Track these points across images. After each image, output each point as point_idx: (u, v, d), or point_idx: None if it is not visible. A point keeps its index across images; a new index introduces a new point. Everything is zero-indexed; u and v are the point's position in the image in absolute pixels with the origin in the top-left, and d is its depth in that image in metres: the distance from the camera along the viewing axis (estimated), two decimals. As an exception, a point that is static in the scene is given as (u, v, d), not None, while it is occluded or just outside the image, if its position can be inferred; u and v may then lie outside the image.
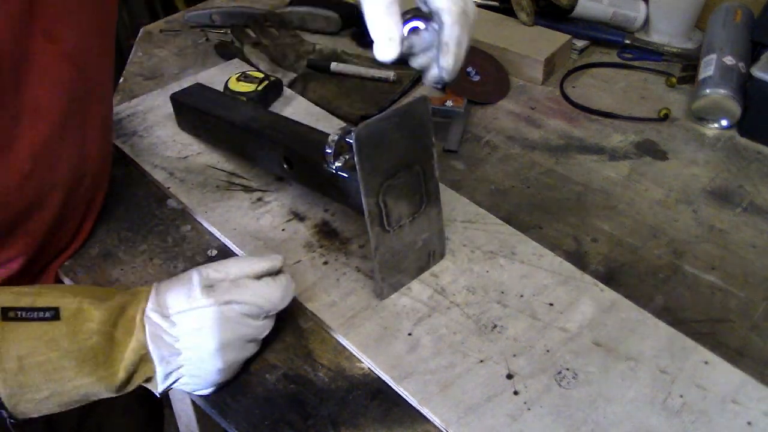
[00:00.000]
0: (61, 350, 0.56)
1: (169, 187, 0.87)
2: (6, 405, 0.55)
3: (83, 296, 0.59)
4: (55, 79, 0.65)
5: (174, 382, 0.61)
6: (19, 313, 0.56)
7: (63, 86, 0.67)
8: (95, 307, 0.58)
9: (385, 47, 0.60)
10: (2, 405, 0.55)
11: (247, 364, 0.66)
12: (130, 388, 0.60)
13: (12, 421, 0.57)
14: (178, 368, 0.60)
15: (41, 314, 0.56)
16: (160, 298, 0.60)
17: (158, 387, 0.61)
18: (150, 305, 0.60)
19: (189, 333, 0.59)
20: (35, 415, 0.58)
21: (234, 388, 0.65)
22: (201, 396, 0.65)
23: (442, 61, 0.63)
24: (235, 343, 0.62)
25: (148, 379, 0.61)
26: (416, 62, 0.69)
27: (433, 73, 0.69)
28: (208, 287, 0.61)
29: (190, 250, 0.80)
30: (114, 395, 0.60)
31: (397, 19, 0.61)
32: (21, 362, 0.55)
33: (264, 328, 0.65)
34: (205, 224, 0.83)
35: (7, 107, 0.62)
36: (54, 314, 0.57)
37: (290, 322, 0.71)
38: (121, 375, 0.58)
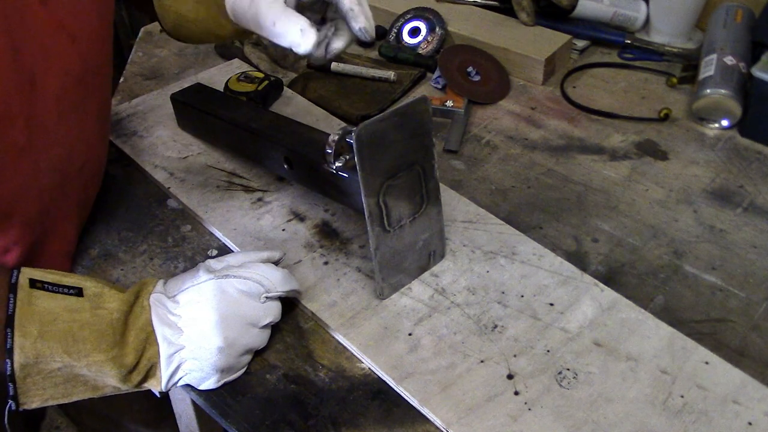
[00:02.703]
0: (82, 321, 0.58)
1: (169, 187, 0.87)
2: (16, 377, 0.56)
3: (104, 284, 0.62)
4: (49, 48, 0.64)
5: (177, 369, 0.62)
6: (46, 285, 0.59)
7: (58, 57, 0.66)
8: (115, 293, 0.62)
9: (303, 38, 0.63)
10: (13, 377, 0.56)
11: (248, 365, 0.66)
12: (136, 377, 0.60)
13: (14, 407, 0.57)
14: (180, 350, 0.61)
15: (66, 290, 0.59)
16: (168, 284, 0.65)
17: (162, 377, 0.61)
18: (157, 289, 0.64)
19: (189, 306, 0.62)
20: (37, 402, 0.58)
21: (234, 388, 0.65)
22: (201, 395, 0.65)
23: (357, 25, 0.66)
24: (233, 320, 0.62)
25: (153, 373, 0.61)
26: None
27: (342, 43, 0.71)
28: (211, 271, 0.66)
29: (190, 250, 0.80)
30: (121, 386, 0.60)
31: (294, 13, 0.65)
32: (42, 328, 0.57)
33: (265, 312, 0.65)
34: (206, 224, 0.83)
35: (3, 75, 0.61)
36: (78, 292, 0.60)
37: (290, 322, 0.71)
38: (131, 357, 0.59)
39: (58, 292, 0.59)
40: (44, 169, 0.69)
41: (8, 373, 0.56)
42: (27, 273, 0.59)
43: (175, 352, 0.61)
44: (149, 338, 0.60)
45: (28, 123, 0.65)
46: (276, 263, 0.70)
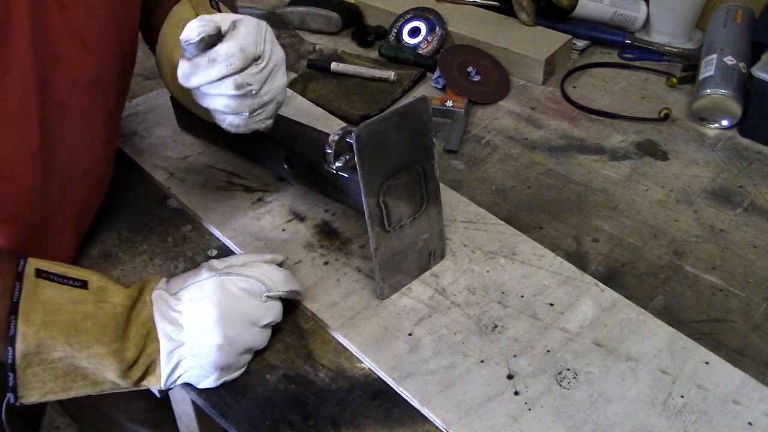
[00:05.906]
0: (86, 313, 0.59)
1: (169, 188, 0.87)
2: (17, 366, 0.56)
3: (108, 279, 0.63)
4: (60, 53, 0.65)
5: (176, 366, 0.62)
6: (51, 276, 0.59)
7: (67, 63, 0.66)
8: (119, 287, 0.63)
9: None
10: (13, 366, 0.56)
11: (247, 365, 0.66)
12: (136, 373, 0.60)
13: (12, 400, 0.57)
14: (180, 346, 0.61)
15: (71, 282, 0.60)
16: (170, 282, 0.66)
17: (161, 374, 0.61)
18: (160, 285, 0.65)
19: (190, 302, 0.63)
20: (36, 396, 0.58)
21: (234, 388, 0.65)
22: (201, 395, 0.65)
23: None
24: (234, 318, 0.63)
25: (152, 370, 0.61)
26: None
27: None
28: (213, 270, 0.66)
29: (190, 250, 0.80)
30: (120, 381, 0.60)
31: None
32: (46, 318, 0.57)
33: (266, 311, 0.65)
34: (206, 224, 0.83)
35: (23, 79, 0.61)
36: (83, 284, 0.60)
37: (290, 322, 0.71)
38: (131, 351, 0.60)
39: (63, 283, 0.59)
40: (48, 173, 0.69)
41: (9, 362, 0.56)
42: (33, 263, 0.59)
43: (174, 349, 0.61)
44: (150, 334, 0.61)
45: (42, 126, 0.65)
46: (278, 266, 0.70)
